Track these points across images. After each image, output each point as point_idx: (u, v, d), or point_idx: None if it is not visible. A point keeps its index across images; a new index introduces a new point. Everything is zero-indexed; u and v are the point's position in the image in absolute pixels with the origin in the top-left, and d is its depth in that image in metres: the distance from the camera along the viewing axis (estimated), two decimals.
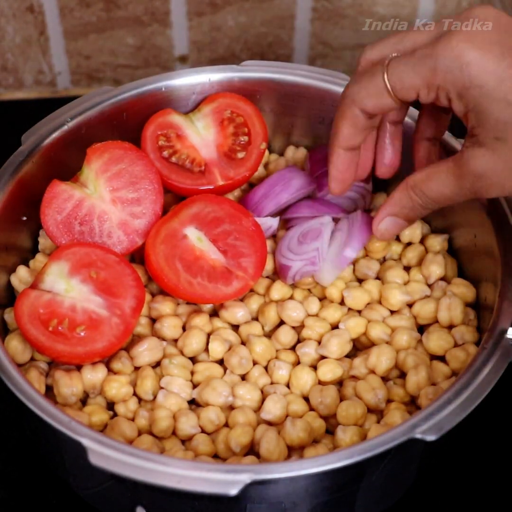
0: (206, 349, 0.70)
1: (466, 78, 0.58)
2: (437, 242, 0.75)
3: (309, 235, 0.72)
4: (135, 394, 0.68)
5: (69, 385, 0.66)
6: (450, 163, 0.62)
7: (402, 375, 0.69)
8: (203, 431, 0.66)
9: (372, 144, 0.70)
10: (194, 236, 0.71)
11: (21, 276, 0.72)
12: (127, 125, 0.78)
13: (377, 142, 0.70)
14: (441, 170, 0.63)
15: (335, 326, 0.71)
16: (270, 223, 0.74)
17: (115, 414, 0.67)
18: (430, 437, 0.58)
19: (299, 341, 0.71)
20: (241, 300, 0.73)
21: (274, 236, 0.76)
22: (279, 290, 0.72)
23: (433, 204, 0.65)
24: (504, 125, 0.58)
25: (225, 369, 0.69)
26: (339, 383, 0.69)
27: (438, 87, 0.59)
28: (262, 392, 0.68)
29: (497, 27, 0.58)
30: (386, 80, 0.61)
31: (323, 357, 0.69)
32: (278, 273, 0.73)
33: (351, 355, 0.71)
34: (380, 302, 0.72)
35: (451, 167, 0.62)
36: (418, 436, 0.58)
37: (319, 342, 0.70)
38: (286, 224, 0.76)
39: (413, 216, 0.67)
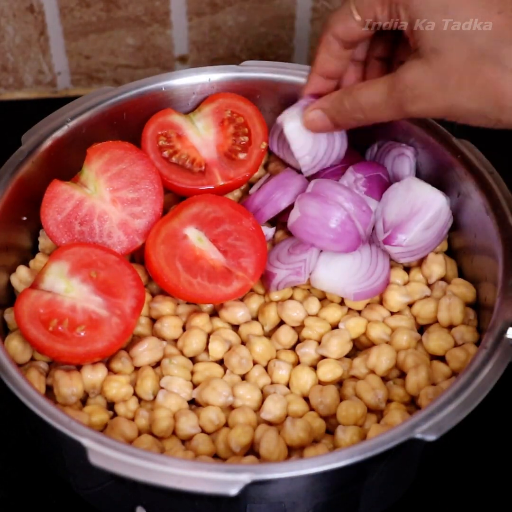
0: (206, 349, 0.70)
1: None
2: None
3: (299, 247, 0.72)
4: (135, 394, 0.68)
5: (69, 385, 0.66)
6: (388, 76, 0.64)
7: (402, 375, 0.69)
8: (203, 431, 0.66)
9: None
10: (195, 236, 0.71)
11: (21, 276, 0.72)
12: (127, 125, 0.78)
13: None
14: (377, 81, 0.65)
15: (335, 326, 0.71)
16: (266, 232, 0.74)
17: (115, 414, 0.67)
18: (430, 437, 0.58)
19: (299, 341, 0.71)
20: (241, 300, 0.73)
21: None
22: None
23: (360, 112, 0.66)
24: (440, 36, 0.60)
25: (225, 369, 0.69)
26: (339, 383, 0.69)
27: (390, 1, 0.63)
28: (262, 392, 0.68)
29: None
30: (351, 2, 0.65)
31: (323, 357, 0.69)
32: (263, 281, 0.73)
33: (351, 355, 0.71)
34: (380, 302, 0.72)
35: (387, 79, 0.64)
36: (418, 436, 0.58)
37: (319, 342, 0.70)
38: (284, 226, 0.76)
39: (339, 121, 0.69)
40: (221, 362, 0.70)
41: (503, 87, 0.59)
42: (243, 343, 0.71)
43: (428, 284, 0.73)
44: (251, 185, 0.80)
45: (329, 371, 0.68)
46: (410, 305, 0.72)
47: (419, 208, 0.71)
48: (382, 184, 0.75)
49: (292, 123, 0.72)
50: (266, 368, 0.70)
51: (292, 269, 0.71)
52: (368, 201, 0.74)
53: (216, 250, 0.71)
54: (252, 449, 0.65)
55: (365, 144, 0.79)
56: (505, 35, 0.59)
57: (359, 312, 0.72)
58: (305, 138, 0.72)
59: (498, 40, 0.59)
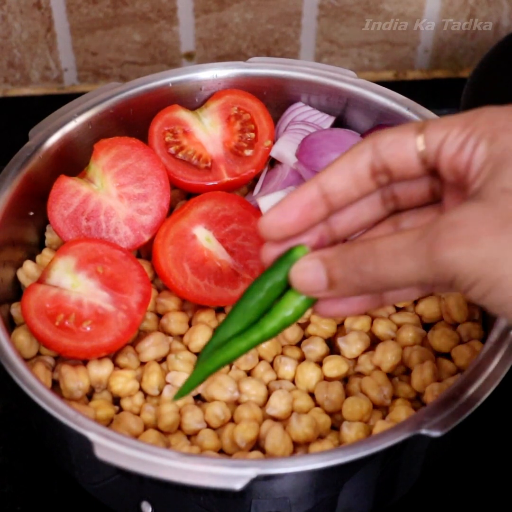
0: None
1: (508, 121, 0.48)
2: None
3: None
4: (141, 389, 0.68)
5: (75, 380, 0.66)
6: (421, 226, 0.47)
7: (408, 371, 0.69)
8: (208, 426, 0.66)
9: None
10: (203, 236, 0.71)
11: (28, 271, 0.72)
12: (134, 121, 0.78)
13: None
14: (404, 230, 0.49)
15: (340, 323, 0.71)
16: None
17: (121, 409, 0.67)
18: (436, 433, 0.58)
19: (304, 337, 0.71)
20: None
21: None
22: None
23: (372, 263, 0.48)
24: None
25: (230, 364, 0.69)
26: (345, 379, 0.69)
27: (473, 127, 0.49)
28: (267, 387, 0.68)
29: None
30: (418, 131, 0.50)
31: (328, 354, 0.69)
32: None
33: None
34: None
35: (420, 227, 0.47)
36: (424, 432, 0.58)
37: (325, 339, 0.70)
38: None
39: (338, 275, 0.50)
40: None
41: None
42: None
43: None
44: (256, 181, 0.80)
45: (335, 367, 0.68)
46: (415, 303, 0.72)
47: None
48: None
49: (267, 200, 0.72)
50: (271, 364, 0.70)
51: None
52: None
53: (224, 250, 0.71)
54: (257, 445, 0.65)
55: None
56: None
57: None
58: None
59: None
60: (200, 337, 0.69)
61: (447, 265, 0.45)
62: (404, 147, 0.50)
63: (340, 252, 0.50)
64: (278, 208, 0.51)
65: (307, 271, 0.51)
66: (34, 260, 0.74)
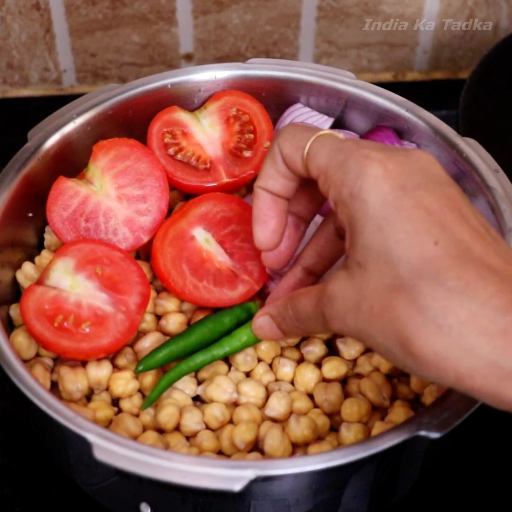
0: None
1: (358, 186, 0.53)
2: None
3: None
4: (139, 390, 0.68)
5: (74, 381, 0.66)
6: (320, 284, 0.57)
7: (407, 373, 0.69)
8: (207, 427, 0.66)
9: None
10: (202, 238, 0.71)
11: (26, 272, 0.72)
12: (133, 122, 0.78)
13: None
14: (314, 288, 0.58)
15: None
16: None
17: (120, 410, 0.67)
18: (435, 435, 0.58)
19: (303, 339, 0.71)
20: None
21: None
22: None
23: (298, 322, 0.60)
24: (368, 251, 0.52)
25: (229, 366, 0.69)
26: (344, 380, 0.69)
27: (333, 182, 0.55)
28: (266, 389, 0.68)
29: (413, 169, 0.54)
30: (305, 147, 0.58)
31: (327, 355, 0.69)
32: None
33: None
34: None
35: (320, 287, 0.57)
36: (423, 433, 0.58)
37: (324, 340, 0.70)
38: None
39: (285, 328, 0.62)
40: (225, 359, 0.70)
41: (410, 329, 0.50)
42: None
43: None
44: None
45: (334, 368, 0.68)
46: None
47: None
48: None
49: None
50: (270, 365, 0.70)
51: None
52: None
53: (223, 252, 0.71)
54: (256, 446, 0.65)
55: None
56: (430, 269, 0.50)
57: None
58: None
59: (420, 273, 0.50)
60: None
61: (336, 330, 0.56)
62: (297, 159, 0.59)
63: (280, 310, 0.62)
64: (258, 225, 0.63)
65: (264, 328, 0.64)
66: (33, 261, 0.74)
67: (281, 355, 0.70)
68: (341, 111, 0.80)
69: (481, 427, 0.70)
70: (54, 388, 0.67)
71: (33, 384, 0.61)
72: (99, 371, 0.66)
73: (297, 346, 0.71)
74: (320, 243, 0.65)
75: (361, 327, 0.53)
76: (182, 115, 0.78)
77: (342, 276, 0.54)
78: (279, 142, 0.60)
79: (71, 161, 0.75)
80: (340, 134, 0.59)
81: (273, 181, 0.61)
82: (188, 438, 0.66)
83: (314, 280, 0.66)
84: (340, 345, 0.69)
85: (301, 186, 0.62)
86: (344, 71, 0.79)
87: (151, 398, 0.65)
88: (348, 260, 0.54)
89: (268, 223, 0.62)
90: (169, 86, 0.79)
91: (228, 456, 0.64)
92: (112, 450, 0.57)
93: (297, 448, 0.65)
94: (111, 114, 0.77)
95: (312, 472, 0.57)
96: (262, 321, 0.64)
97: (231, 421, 0.66)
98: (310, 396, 0.68)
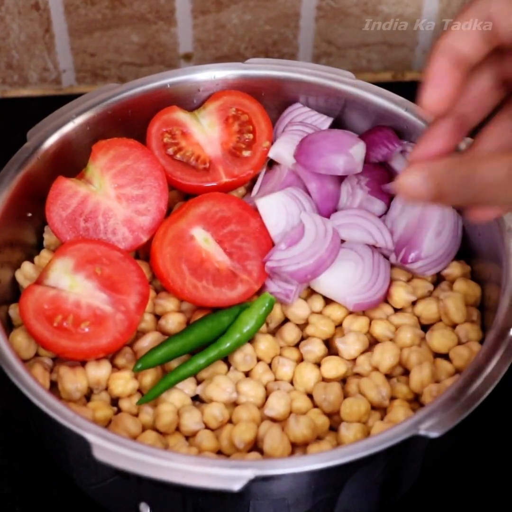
0: None
1: None
2: None
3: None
4: (138, 390, 0.68)
5: (74, 381, 0.66)
6: None
7: (406, 372, 0.69)
8: (207, 427, 0.66)
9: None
10: (201, 237, 0.71)
11: (26, 272, 0.72)
12: (132, 122, 0.78)
13: None
14: (502, 154, 0.50)
15: (338, 324, 0.71)
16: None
17: (119, 410, 0.67)
18: (434, 434, 0.58)
19: (302, 338, 0.71)
20: None
21: None
22: None
23: (473, 187, 0.52)
24: None
25: (229, 365, 0.69)
26: (343, 380, 0.69)
27: None
28: (266, 388, 0.68)
29: None
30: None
31: (327, 355, 0.69)
32: None
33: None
34: (384, 300, 0.72)
35: None
36: (422, 433, 0.58)
37: (323, 340, 0.70)
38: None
39: (449, 190, 0.53)
40: (225, 358, 0.70)
41: None
42: None
43: (432, 283, 0.73)
44: (255, 182, 0.80)
45: (333, 368, 0.68)
46: (414, 304, 0.72)
47: (424, 216, 0.72)
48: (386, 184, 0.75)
49: (265, 202, 0.73)
50: (270, 365, 0.70)
51: (283, 289, 0.71)
52: (373, 201, 0.74)
53: (222, 251, 0.71)
54: (255, 446, 0.65)
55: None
56: None
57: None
58: (277, 216, 0.73)
59: None
60: None
61: None
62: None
63: (448, 168, 0.53)
64: (429, 85, 0.54)
65: (414, 186, 0.54)
66: (32, 261, 0.74)
67: (281, 354, 0.70)
68: (340, 111, 0.80)
69: (480, 427, 0.70)
70: (54, 388, 0.67)
71: (33, 384, 0.61)
72: (99, 371, 0.67)
73: (297, 346, 0.71)
74: (474, 94, 0.57)
75: None
76: (181, 115, 0.78)
77: None
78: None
79: (70, 161, 0.75)
80: None
81: (464, 39, 0.53)
82: (187, 437, 0.66)
83: (462, 138, 0.57)
84: (340, 345, 0.69)
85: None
86: (344, 71, 0.79)
87: (147, 398, 0.65)
88: None
89: (443, 88, 0.54)
90: (168, 86, 0.79)
91: (228, 455, 0.64)
92: (112, 450, 0.57)
93: (297, 447, 0.65)
94: (110, 114, 0.77)
95: (312, 472, 0.57)
96: (412, 179, 0.54)
97: (230, 421, 0.66)
98: (310, 395, 0.68)
